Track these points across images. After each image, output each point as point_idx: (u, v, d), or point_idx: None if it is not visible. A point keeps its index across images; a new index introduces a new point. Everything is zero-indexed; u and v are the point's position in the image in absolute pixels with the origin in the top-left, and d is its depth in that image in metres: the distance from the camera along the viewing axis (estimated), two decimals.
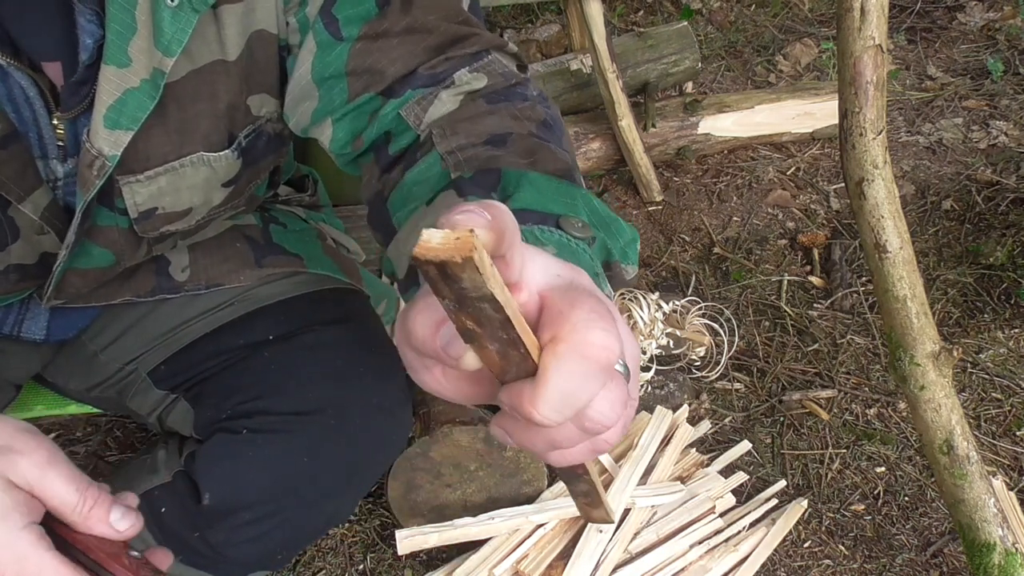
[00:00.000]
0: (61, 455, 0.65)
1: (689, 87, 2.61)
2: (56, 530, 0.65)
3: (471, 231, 0.37)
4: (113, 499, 0.66)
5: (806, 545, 1.51)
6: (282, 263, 1.12)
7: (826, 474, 1.62)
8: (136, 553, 0.67)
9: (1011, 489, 1.52)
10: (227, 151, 0.90)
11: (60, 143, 0.84)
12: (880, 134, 1.18)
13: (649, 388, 1.73)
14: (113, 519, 0.65)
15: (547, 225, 0.63)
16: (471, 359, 0.44)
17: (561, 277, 0.46)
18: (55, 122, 0.82)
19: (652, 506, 1.48)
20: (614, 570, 1.39)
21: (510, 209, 0.65)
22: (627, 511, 1.45)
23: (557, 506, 1.43)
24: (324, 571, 1.49)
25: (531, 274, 0.45)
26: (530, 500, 1.47)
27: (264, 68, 0.86)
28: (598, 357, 0.42)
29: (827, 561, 1.49)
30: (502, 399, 0.45)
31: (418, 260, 0.37)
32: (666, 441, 1.58)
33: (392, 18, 0.80)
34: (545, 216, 0.64)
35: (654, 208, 2.25)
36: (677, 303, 1.84)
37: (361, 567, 1.49)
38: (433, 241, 0.37)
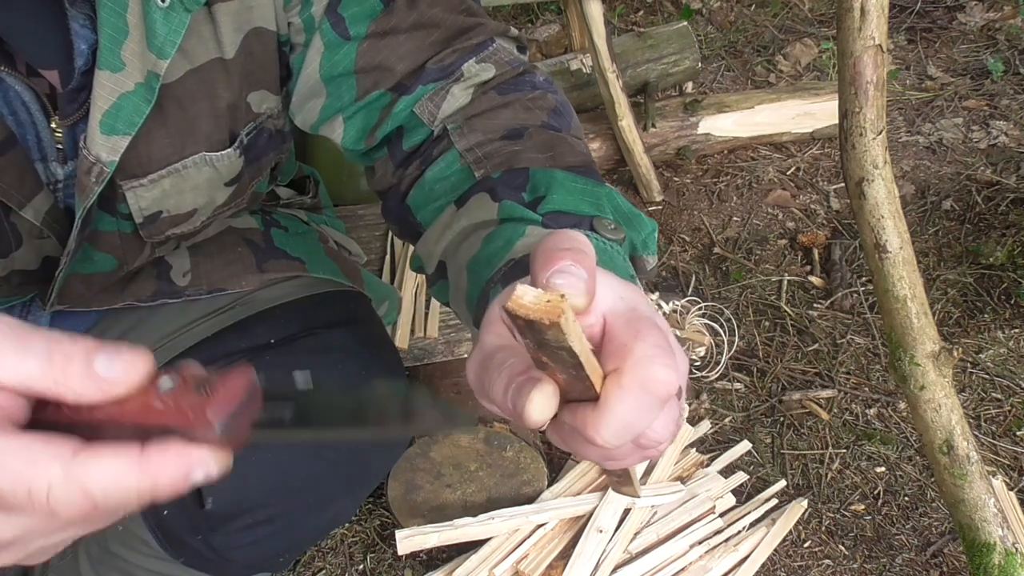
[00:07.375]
0: (7, 320, 0.45)
1: (689, 87, 2.61)
2: (53, 417, 0.46)
3: (562, 296, 0.39)
4: (95, 344, 0.46)
5: (806, 545, 1.51)
6: (283, 267, 1.12)
7: (826, 474, 1.62)
8: (168, 387, 0.48)
9: (1011, 489, 1.52)
10: (229, 150, 0.89)
11: (59, 146, 0.83)
12: (880, 134, 1.18)
13: None
14: (100, 369, 0.45)
15: (583, 228, 0.64)
16: (537, 415, 0.45)
17: (624, 300, 0.48)
18: (53, 125, 0.81)
19: (652, 506, 1.48)
20: (614, 570, 1.39)
21: (544, 212, 0.67)
22: (627, 511, 1.45)
23: (557, 506, 1.44)
24: (324, 571, 1.49)
25: (599, 297, 0.47)
26: (530, 500, 1.47)
27: (263, 65, 0.86)
28: (659, 392, 0.44)
29: (827, 561, 1.49)
30: (565, 419, 0.47)
31: (509, 314, 0.39)
32: None
33: (399, 14, 0.81)
34: (580, 219, 0.66)
35: (654, 208, 2.25)
36: (677, 303, 1.84)
37: (361, 567, 1.49)
38: (526, 299, 0.39)
